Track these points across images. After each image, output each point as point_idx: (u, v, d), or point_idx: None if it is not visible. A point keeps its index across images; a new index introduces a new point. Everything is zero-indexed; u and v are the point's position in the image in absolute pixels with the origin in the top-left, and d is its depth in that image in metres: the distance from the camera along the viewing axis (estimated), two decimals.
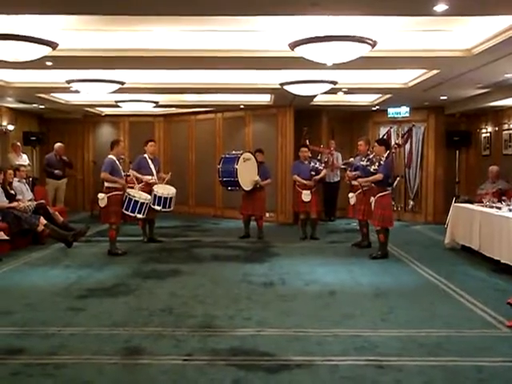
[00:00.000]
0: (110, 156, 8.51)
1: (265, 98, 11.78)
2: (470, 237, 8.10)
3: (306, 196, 9.67)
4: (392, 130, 13.06)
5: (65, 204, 12.43)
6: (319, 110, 12.83)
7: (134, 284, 6.58)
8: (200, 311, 5.44)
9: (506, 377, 3.91)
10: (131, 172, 9.24)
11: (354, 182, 8.92)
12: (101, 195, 8.34)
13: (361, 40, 5.88)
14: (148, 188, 9.06)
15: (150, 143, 9.58)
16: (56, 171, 12.24)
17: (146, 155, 9.45)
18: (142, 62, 7.41)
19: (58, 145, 12.57)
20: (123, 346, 4.44)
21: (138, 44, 6.75)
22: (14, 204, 8.89)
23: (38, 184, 12.21)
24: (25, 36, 5.80)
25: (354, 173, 8.93)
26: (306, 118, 12.46)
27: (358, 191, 8.83)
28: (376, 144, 8.51)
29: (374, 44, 6.04)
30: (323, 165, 10.20)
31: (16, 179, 9.72)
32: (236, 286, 6.52)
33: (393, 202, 10.07)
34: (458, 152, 12.53)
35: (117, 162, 8.50)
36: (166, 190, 9.13)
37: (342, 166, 10.24)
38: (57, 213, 9.75)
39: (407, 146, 12.87)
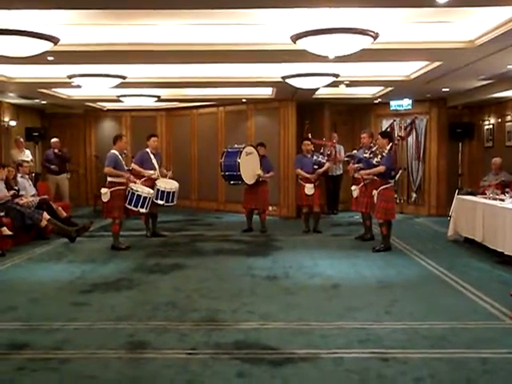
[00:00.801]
0: (113, 151, 8.50)
1: (267, 92, 11.76)
2: (474, 229, 8.09)
3: (309, 189, 9.66)
4: (395, 123, 13.03)
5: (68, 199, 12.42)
6: (321, 103, 12.81)
7: (138, 278, 6.59)
8: (204, 305, 5.45)
9: (510, 369, 3.90)
10: (133, 166, 9.22)
11: (357, 175, 8.91)
12: (104, 190, 8.34)
13: (363, 32, 5.85)
14: (151, 182, 9.04)
15: (152, 138, 9.55)
16: (52, 166, 12.17)
17: (148, 149, 9.43)
18: (143, 56, 7.39)
19: (53, 140, 12.51)
20: (127, 340, 4.45)
21: (139, 38, 6.73)
22: (11, 193, 8.86)
23: (40, 179, 12.21)
24: (26, 31, 5.80)
25: (356, 165, 8.93)
26: (308, 111, 12.44)
27: (361, 184, 8.82)
28: (379, 136, 8.50)
29: (376, 36, 6.02)
30: (326, 158, 10.18)
31: (19, 175, 9.73)
32: (239, 280, 6.53)
33: (395, 194, 10.07)
34: (460, 144, 12.50)
35: (119, 156, 8.49)
36: (168, 185, 9.12)
37: (345, 159, 10.24)
38: (60, 208, 9.75)
39: (413, 139, 12.82)
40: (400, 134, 12.82)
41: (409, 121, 12.84)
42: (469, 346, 4.30)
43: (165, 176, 9.43)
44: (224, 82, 9.97)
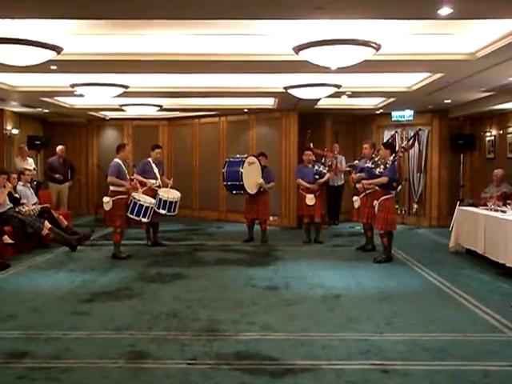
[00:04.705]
0: (116, 160, 8.51)
1: (269, 102, 11.79)
2: (475, 240, 8.08)
3: (310, 200, 9.66)
4: (396, 134, 13.04)
5: (69, 208, 12.42)
6: (323, 114, 12.83)
7: (139, 288, 6.58)
8: (204, 315, 5.44)
9: None
10: (135, 176, 9.23)
11: (359, 185, 8.91)
12: (106, 199, 8.34)
13: (365, 44, 5.87)
14: (152, 192, 9.05)
15: (156, 150, 9.52)
16: (57, 175, 12.11)
17: (150, 159, 9.45)
18: (145, 66, 7.42)
19: (59, 147, 12.45)
20: (128, 349, 4.44)
21: (142, 48, 6.76)
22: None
23: (42, 188, 12.21)
24: (30, 40, 5.82)
25: (358, 174, 8.92)
26: (310, 121, 12.46)
27: (363, 194, 8.82)
28: (382, 147, 8.51)
29: (378, 47, 6.04)
30: (327, 168, 10.19)
31: (20, 183, 9.74)
32: (240, 290, 6.52)
33: (396, 205, 10.05)
34: (462, 155, 12.51)
35: (122, 165, 8.51)
36: (170, 194, 9.12)
37: (347, 169, 10.25)
38: (61, 217, 9.77)
39: (416, 150, 12.83)
40: (403, 145, 12.82)
41: (412, 133, 12.85)
42: (470, 358, 4.29)
43: (166, 185, 9.44)
44: (226, 92, 9.99)
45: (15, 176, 9.69)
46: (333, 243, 10.06)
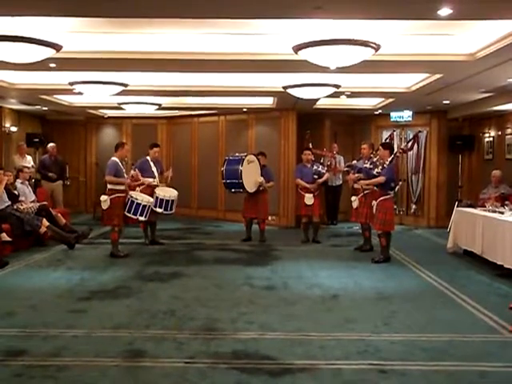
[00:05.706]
0: (114, 158, 8.50)
1: (268, 101, 11.79)
2: (473, 241, 8.08)
3: (309, 199, 9.66)
4: (395, 133, 13.04)
5: (67, 206, 12.38)
6: (322, 114, 12.83)
7: (136, 286, 6.58)
8: (202, 314, 5.44)
9: (509, 382, 3.90)
10: (133, 173, 9.19)
11: (357, 185, 8.91)
12: (103, 197, 8.32)
13: (364, 44, 5.89)
14: (150, 190, 9.04)
15: (155, 148, 9.53)
16: (50, 174, 11.98)
17: (148, 158, 9.45)
18: (144, 65, 7.42)
19: (50, 145, 12.32)
20: (125, 348, 4.44)
21: (141, 46, 6.76)
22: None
23: (40, 186, 12.18)
24: (29, 38, 5.83)
25: (356, 175, 8.92)
26: (309, 121, 12.46)
27: (361, 194, 8.82)
28: (380, 147, 8.50)
29: (377, 48, 6.06)
30: (326, 168, 10.19)
31: (19, 181, 9.73)
32: (238, 289, 6.52)
33: (395, 205, 10.06)
34: (460, 156, 12.52)
35: (120, 164, 8.50)
36: (167, 193, 9.11)
37: (345, 169, 10.25)
38: (59, 215, 9.74)
39: (414, 151, 12.82)
40: (402, 147, 12.81)
41: (411, 134, 12.83)
42: (467, 358, 4.29)
43: (167, 178, 9.45)
44: (225, 91, 9.99)
45: (10, 173, 9.65)
46: (331, 243, 10.07)
